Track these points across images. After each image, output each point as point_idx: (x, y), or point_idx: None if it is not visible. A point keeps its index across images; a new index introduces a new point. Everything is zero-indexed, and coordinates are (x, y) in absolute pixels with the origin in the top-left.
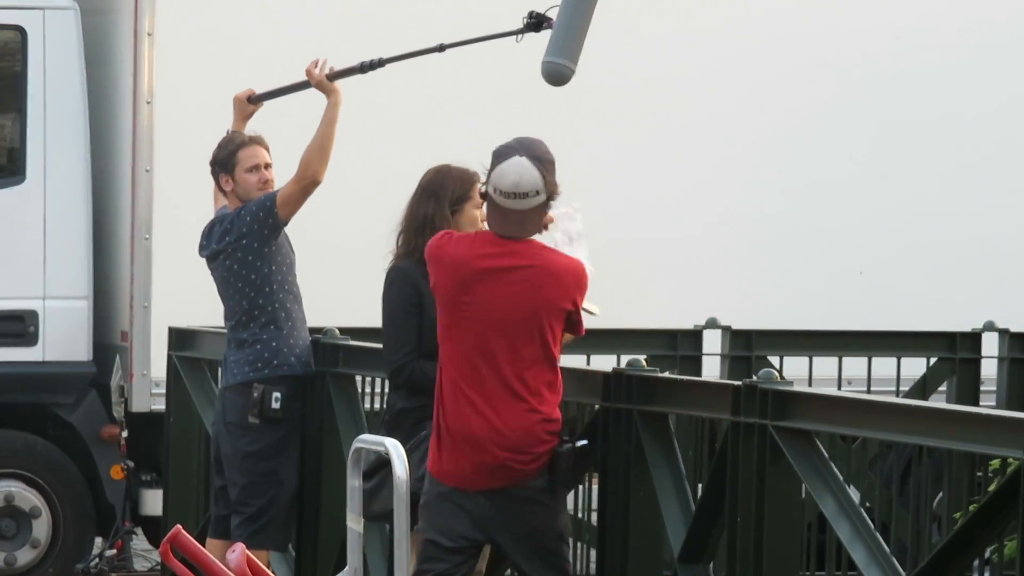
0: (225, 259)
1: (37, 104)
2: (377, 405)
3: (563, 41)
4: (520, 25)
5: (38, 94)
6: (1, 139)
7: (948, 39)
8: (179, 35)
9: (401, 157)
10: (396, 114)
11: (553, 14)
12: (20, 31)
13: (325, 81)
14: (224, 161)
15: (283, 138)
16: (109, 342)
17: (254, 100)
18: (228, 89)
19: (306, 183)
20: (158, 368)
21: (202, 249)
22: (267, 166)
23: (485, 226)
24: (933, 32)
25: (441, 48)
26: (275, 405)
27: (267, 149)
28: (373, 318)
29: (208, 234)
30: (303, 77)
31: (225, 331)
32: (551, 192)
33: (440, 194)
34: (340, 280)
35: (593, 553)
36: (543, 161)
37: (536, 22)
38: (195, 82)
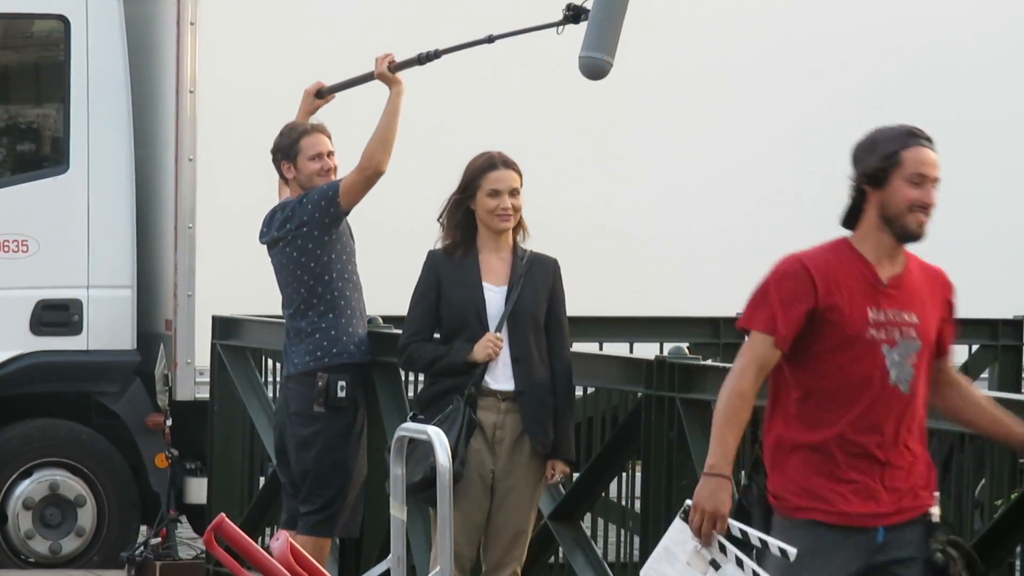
0: (285, 246)
1: (80, 93)
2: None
3: (598, 35)
4: (559, 17)
5: (81, 83)
6: (45, 128)
7: (988, 37)
8: (222, 24)
9: (451, 149)
10: (453, 104)
11: (590, 5)
12: (63, 20)
13: (387, 73)
14: (287, 149)
15: (345, 129)
16: (153, 331)
17: (324, 94)
18: (271, 78)
19: (369, 173)
20: (202, 357)
21: (262, 236)
22: (330, 154)
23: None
24: (973, 30)
25: (491, 39)
26: (341, 393)
27: (329, 137)
28: None
29: (269, 221)
30: (367, 69)
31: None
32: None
33: (460, 181)
34: (394, 266)
35: (636, 540)
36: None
37: (575, 14)
38: (238, 71)
